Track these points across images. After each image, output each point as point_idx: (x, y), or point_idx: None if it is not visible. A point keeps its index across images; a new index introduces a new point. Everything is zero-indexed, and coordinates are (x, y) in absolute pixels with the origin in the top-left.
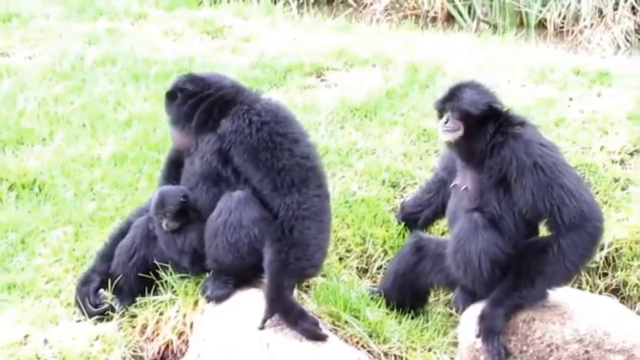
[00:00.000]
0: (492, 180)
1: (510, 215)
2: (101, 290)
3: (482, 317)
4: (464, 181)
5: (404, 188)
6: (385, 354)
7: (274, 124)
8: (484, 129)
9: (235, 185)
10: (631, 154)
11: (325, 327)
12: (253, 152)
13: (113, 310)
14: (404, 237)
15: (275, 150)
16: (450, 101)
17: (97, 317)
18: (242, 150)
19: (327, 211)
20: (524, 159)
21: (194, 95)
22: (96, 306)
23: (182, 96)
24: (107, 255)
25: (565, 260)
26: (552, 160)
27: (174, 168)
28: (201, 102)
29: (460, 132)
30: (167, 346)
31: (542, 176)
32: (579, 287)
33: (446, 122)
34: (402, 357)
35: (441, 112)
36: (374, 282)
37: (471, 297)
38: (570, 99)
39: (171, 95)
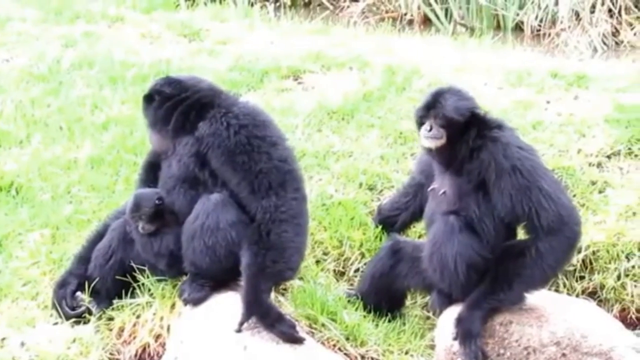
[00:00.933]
0: (472, 184)
1: (490, 219)
2: (78, 293)
3: (460, 320)
4: (442, 185)
5: (381, 191)
6: (363, 357)
7: (252, 127)
8: (466, 135)
9: (213, 188)
10: (608, 157)
11: (302, 330)
12: (231, 155)
13: (90, 313)
14: (381, 240)
15: (253, 154)
16: (433, 108)
17: (74, 319)
18: (220, 153)
19: (305, 214)
20: (502, 162)
21: (171, 98)
22: (73, 309)
23: (159, 99)
24: (84, 258)
25: (543, 263)
26: (530, 164)
27: (152, 171)
28: (178, 105)
29: (443, 139)
30: (144, 349)
31: (521, 179)
32: (556, 290)
33: (429, 129)
34: None
35: (422, 118)
36: (351, 285)
37: (448, 300)
38: (548, 102)
39: (148, 98)
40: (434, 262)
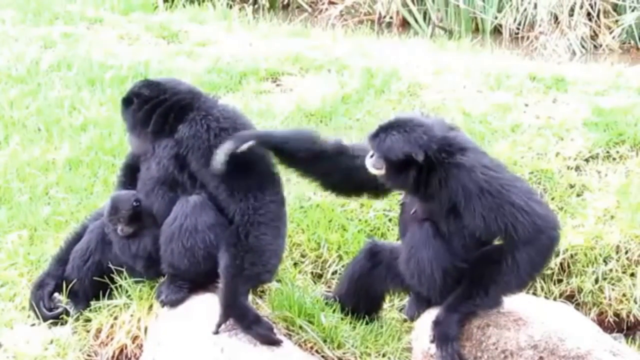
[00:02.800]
0: (443, 209)
1: (460, 237)
2: (56, 294)
3: (437, 323)
4: (412, 203)
5: None
6: (340, 359)
7: (232, 130)
8: (407, 171)
9: (191, 191)
10: (586, 160)
11: (279, 332)
12: (210, 158)
13: (67, 314)
14: (358, 242)
15: (232, 157)
16: (374, 140)
17: (51, 321)
18: (200, 155)
19: (283, 217)
20: (469, 187)
21: (149, 100)
22: (50, 310)
23: (138, 101)
24: (62, 260)
25: (519, 270)
26: (498, 182)
27: (131, 173)
28: (157, 107)
29: (383, 170)
30: (122, 350)
31: (491, 199)
32: (534, 294)
33: (371, 156)
34: None
35: (369, 144)
36: (329, 287)
37: (425, 303)
38: (526, 105)
39: (127, 101)
40: (411, 267)
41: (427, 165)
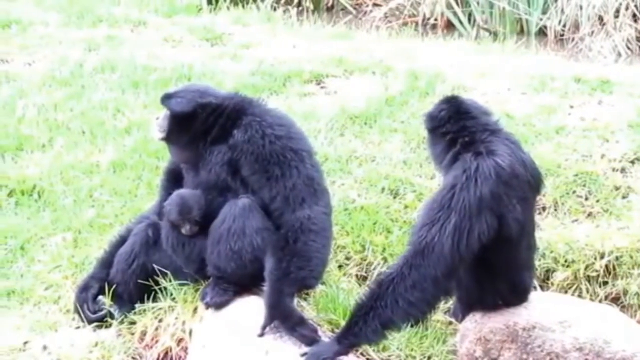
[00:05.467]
0: None
1: None
2: (100, 297)
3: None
4: None
5: (404, 196)
6: None
7: (287, 139)
8: (431, 145)
9: (243, 195)
10: (632, 163)
11: (324, 335)
12: (264, 164)
13: (112, 317)
14: (403, 245)
15: (286, 166)
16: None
17: (96, 324)
18: (254, 160)
19: (331, 227)
20: None
21: (217, 108)
22: (95, 313)
23: (207, 112)
24: (106, 262)
25: None
26: None
27: (175, 177)
28: (221, 115)
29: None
30: (167, 353)
31: None
32: (580, 296)
33: None
34: None
35: None
36: None
37: (469, 306)
38: (571, 107)
39: (193, 115)
40: None
41: (455, 151)
